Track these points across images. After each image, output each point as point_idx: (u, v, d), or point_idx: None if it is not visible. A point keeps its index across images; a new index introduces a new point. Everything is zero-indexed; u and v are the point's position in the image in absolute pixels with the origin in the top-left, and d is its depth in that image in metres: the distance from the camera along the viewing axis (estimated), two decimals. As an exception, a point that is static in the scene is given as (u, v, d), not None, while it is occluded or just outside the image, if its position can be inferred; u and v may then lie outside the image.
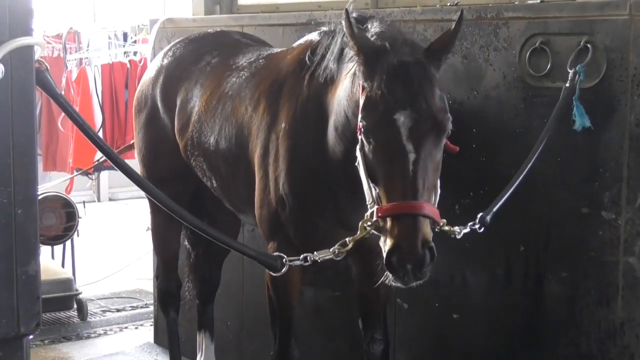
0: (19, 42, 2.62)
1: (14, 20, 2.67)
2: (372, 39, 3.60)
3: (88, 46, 10.46)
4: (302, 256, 3.75)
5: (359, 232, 3.54)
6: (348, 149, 3.75)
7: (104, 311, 8.10)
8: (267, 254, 3.90)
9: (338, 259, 3.76)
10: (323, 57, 3.99)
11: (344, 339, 5.08)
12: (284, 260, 3.76)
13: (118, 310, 8.15)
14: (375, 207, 3.39)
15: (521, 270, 4.36)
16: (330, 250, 3.71)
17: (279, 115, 4.16)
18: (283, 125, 4.10)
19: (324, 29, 4.13)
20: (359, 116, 3.42)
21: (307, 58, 4.11)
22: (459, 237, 3.63)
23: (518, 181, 3.89)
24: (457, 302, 4.57)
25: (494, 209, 3.81)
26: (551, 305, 4.27)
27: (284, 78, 4.24)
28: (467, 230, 3.68)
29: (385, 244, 3.32)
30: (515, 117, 4.30)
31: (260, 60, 4.62)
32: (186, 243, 5.67)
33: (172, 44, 5.34)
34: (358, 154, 3.49)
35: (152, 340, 6.84)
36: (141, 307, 8.21)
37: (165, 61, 5.16)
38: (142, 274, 8.73)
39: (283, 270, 3.78)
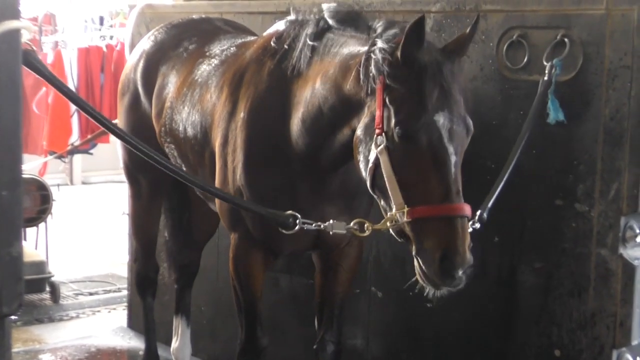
0: (6, 25, 2.63)
1: (1, 3, 2.68)
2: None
3: (64, 29, 10.41)
4: (314, 224, 3.76)
5: (381, 222, 3.47)
6: (315, 142, 3.77)
7: (77, 294, 8.10)
8: (279, 212, 3.83)
9: (348, 235, 3.82)
10: (291, 47, 3.93)
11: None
12: (296, 220, 3.77)
13: (91, 294, 8.15)
14: (406, 208, 3.29)
15: (495, 260, 4.40)
16: (346, 226, 3.72)
17: (239, 104, 4.11)
18: (242, 115, 4.05)
19: (290, 18, 4.09)
20: (393, 120, 3.31)
21: (270, 45, 4.06)
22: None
23: (507, 174, 3.93)
24: (431, 291, 4.60)
25: (489, 205, 3.84)
26: (524, 296, 4.32)
27: (246, 66, 4.20)
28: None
29: (431, 249, 3.26)
30: (492, 109, 4.33)
31: (232, 49, 4.57)
32: (166, 229, 5.68)
33: (155, 28, 5.31)
34: (375, 155, 3.36)
35: (125, 324, 6.84)
36: (114, 291, 8.22)
37: (147, 45, 5.13)
38: (115, 258, 8.75)
39: (296, 228, 3.77)
